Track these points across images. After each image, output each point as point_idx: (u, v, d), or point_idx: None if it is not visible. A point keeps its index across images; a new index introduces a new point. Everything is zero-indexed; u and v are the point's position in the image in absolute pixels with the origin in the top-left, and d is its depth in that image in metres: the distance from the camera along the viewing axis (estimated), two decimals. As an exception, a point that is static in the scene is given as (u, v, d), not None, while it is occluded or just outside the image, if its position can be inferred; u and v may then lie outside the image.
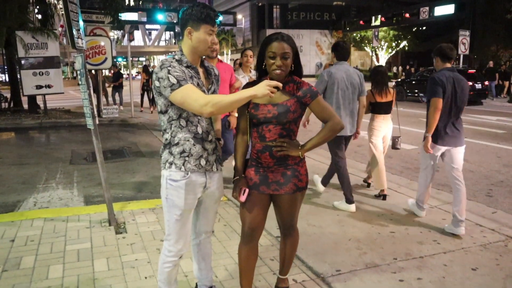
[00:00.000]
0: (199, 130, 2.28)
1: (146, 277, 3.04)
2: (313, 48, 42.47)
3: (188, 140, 2.26)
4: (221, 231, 3.89)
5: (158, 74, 2.15)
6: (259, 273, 3.06)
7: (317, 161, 6.62)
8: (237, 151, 2.47)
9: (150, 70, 15.14)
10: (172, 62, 2.20)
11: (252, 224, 2.44)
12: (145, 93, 15.09)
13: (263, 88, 2.04)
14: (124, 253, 3.44)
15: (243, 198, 2.39)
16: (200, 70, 2.33)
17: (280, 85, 2.08)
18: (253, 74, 5.49)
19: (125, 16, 16.17)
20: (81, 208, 4.62)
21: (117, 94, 15.92)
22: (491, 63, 21.62)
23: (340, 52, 4.49)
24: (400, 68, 38.95)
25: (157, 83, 2.17)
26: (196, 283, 2.74)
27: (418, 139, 9.11)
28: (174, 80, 2.11)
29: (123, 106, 15.80)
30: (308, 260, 3.30)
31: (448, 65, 3.92)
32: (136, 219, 4.22)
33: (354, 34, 40.34)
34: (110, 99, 16.42)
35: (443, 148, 3.90)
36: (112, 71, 15.79)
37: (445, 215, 4.35)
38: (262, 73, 2.40)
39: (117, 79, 15.60)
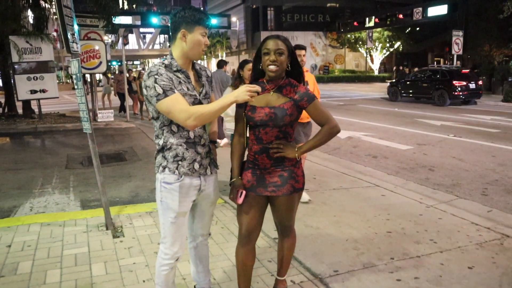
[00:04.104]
0: (191, 135, 2.28)
1: (144, 281, 3.04)
2: (307, 49, 42.53)
3: (180, 145, 2.26)
4: (219, 234, 3.89)
5: (146, 83, 2.15)
6: (257, 274, 3.07)
7: (313, 163, 6.64)
8: (233, 153, 2.48)
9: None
10: (159, 69, 2.18)
11: (249, 226, 2.45)
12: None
13: (243, 93, 2.07)
14: (122, 257, 3.43)
15: (240, 200, 2.40)
16: (191, 73, 2.32)
17: (259, 89, 2.11)
18: None
19: (119, 19, 16.12)
20: (78, 213, 4.61)
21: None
22: (457, 63, 21.59)
23: (220, 64, 8.57)
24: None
25: (145, 91, 2.18)
26: (194, 286, 2.75)
27: (413, 140, 9.16)
28: (160, 90, 2.11)
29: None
30: (306, 261, 3.31)
31: None
32: (133, 223, 4.22)
33: (348, 36, 40.48)
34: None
35: None
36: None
37: (441, 214, 4.38)
38: (258, 74, 2.42)
39: None
